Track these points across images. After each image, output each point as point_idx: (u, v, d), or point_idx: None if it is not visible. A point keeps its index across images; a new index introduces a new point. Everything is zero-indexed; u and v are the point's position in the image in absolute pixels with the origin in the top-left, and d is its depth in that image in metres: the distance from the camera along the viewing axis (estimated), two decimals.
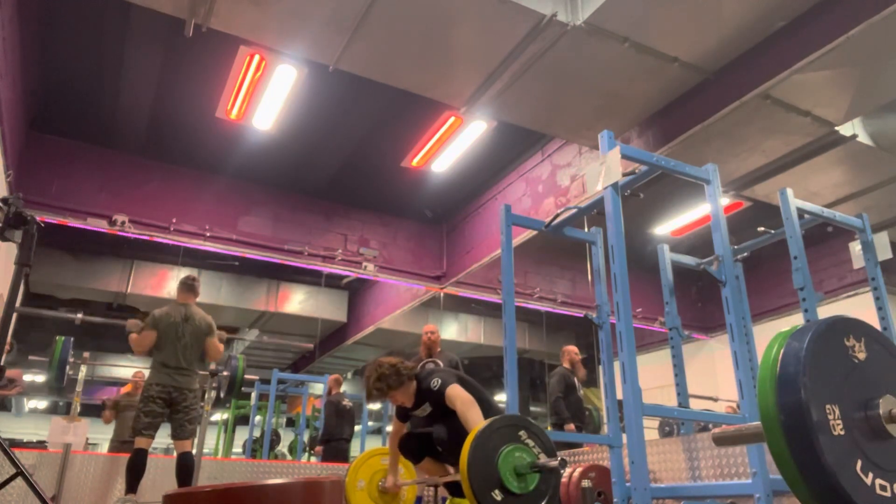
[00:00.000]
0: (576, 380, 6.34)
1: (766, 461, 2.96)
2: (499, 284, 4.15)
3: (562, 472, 2.56)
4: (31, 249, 2.71)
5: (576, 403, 6.23)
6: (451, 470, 3.43)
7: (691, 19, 4.58)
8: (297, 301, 9.90)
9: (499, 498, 2.42)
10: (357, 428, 8.80)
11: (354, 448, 9.02)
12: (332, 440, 7.72)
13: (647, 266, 5.43)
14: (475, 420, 2.76)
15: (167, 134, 7.08)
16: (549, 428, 5.63)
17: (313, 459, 8.90)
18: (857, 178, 6.60)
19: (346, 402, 8.02)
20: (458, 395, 2.93)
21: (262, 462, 6.91)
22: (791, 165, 6.17)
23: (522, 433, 2.61)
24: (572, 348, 6.57)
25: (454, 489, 3.28)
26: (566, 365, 6.43)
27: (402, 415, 3.37)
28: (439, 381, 3.06)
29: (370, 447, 8.52)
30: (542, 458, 2.56)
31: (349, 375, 12.73)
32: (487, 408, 3.07)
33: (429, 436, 3.28)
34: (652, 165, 3.36)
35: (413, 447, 3.34)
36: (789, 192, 3.71)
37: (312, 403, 10.53)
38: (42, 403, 16.73)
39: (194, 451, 4.42)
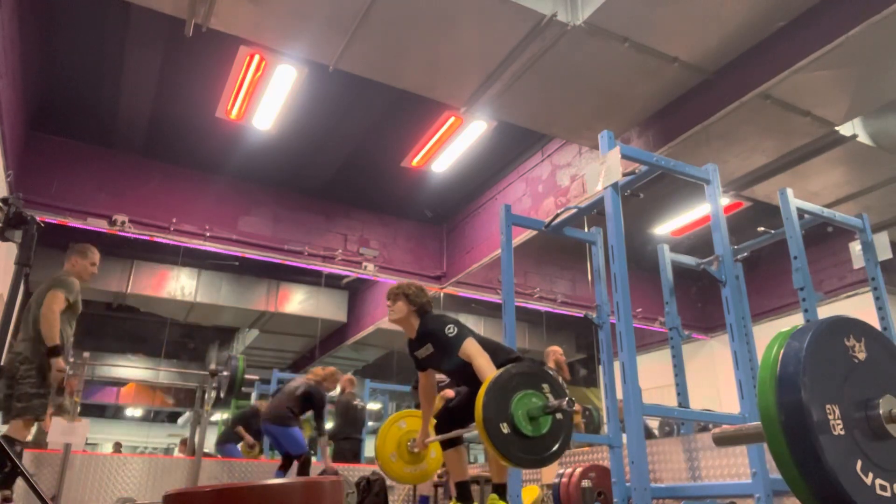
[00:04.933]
0: (560, 380, 6.40)
1: (766, 461, 2.96)
2: (499, 284, 4.15)
3: (570, 410, 2.60)
4: (31, 249, 2.71)
5: None
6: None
7: (691, 19, 4.58)
8: (297, 301, 9.90)
9: (506, 431, 2.49)
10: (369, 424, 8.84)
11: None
12: (337, 438, 7.77)
13: (647, 266, 5.43)
14: (491, 371, 2.84)
15: (167, 134, 7.08)
16: None
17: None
18: (857, 178, 6.59)
19: (357, 402, 8.07)
20: (476, 351, 2.98)
21: (263, 462, 6.90)
22: (791, 165, 6.16)
23: (538, 380, 2.68)
24: (557, 349, 6.61)
25: (461, 493, 3.29)
26: (551, 365, 6.47)
27: (419, 365, 3.42)
28: (455, 329, 3.08)
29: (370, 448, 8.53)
30: (553, 400, 2.62)
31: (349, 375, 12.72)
32: (494, 350, 3.11)
33: (461, 410, 3.25)
34: (652, 165, 3.37)
35: (447, 422, 3.31)
36: (789, 192, 3.71)
37: None
38: None
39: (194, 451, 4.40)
